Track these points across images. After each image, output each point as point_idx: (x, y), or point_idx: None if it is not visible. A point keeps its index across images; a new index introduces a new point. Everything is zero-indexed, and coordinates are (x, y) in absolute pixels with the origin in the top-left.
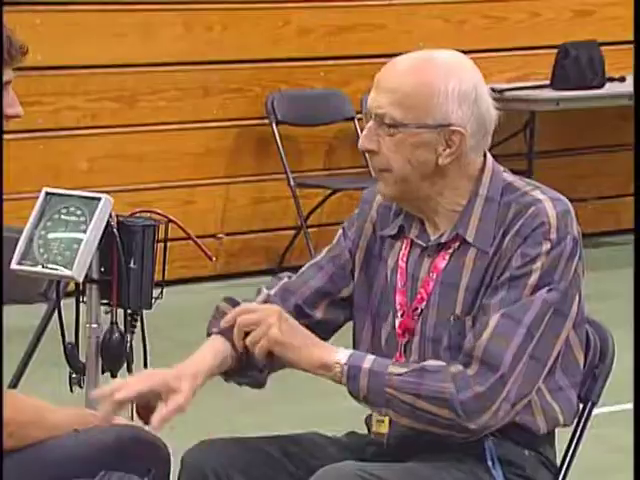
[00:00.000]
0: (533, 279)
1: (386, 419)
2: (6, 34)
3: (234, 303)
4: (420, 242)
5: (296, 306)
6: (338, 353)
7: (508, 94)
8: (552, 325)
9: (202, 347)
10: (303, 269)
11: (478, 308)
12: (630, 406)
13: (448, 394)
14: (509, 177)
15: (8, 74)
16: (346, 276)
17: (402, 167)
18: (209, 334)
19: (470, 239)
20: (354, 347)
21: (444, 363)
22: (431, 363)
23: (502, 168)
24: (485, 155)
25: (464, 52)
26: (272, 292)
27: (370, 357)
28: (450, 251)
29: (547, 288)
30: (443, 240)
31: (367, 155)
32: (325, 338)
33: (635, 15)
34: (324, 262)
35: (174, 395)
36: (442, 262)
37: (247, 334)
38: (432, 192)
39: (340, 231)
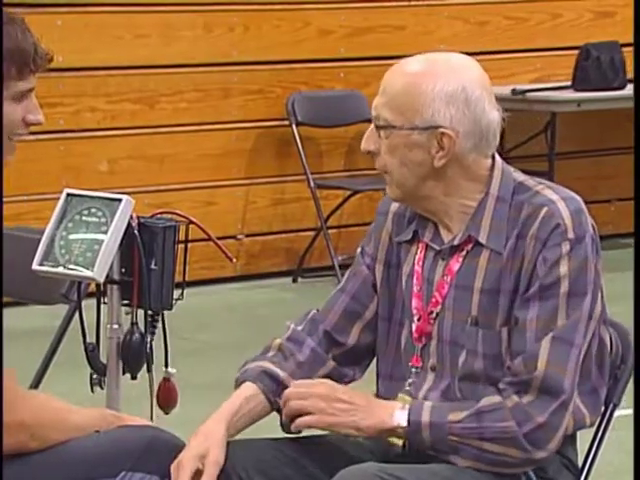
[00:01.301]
0: (564, 288)
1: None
2: (32, 42)
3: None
4: (434, 245)
5: (325, 333)
6: (395, 415)
7: (529, 95)
8: (591, 331)
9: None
10: (328, 298)
11: (507, 318)
12: None
13: (511, 432)
14: (520, 177)
15: (31, 81)
16: (369, 292)
17: (398, 169)
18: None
19: (483, 240)
20: (376, 357)
21: (499, 399)
22: (486, 403)
23: (512, 168)
24: (493, 156)
25: (485, 53)
26: (299, 327)
27: (427, 406)
28: (463, 253)
29: (581, 297)
30: (456, 242)
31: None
32: (363, 362)
33: (635, 15)
34: (346, 284)
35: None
36: (456, 265)
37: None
38: (435, 193)
39: (359, 249)
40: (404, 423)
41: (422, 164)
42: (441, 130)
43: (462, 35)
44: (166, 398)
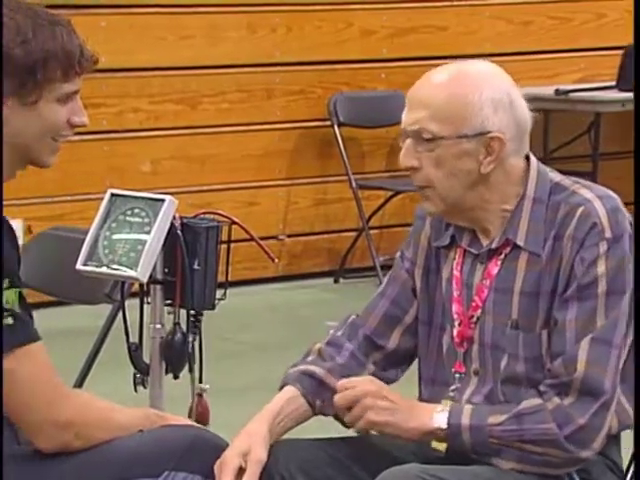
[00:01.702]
0: (602, 287)
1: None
2: (78, 43)
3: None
4: (472, 250)
5: (365, 337)
6: (435, 418)
7: (573, 95)
8: (631, 330)
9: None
10: (368, 302)
11: (547, 320)
12: None
13: (552, 434)
14: (556, 177)
15: (77, 83)
16: (409, 296)
17: (445, 180)
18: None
19: (521, 243)
20: (418, 361)
21: (539, 401)
22: (526, 405)
23: (548, 168)
24: (528, 157)
25: (528, 53)
26: (339, 332)
27: (467, 409)
28: (502, 257)
29: (619, 295)
30: (494, 246)
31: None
32: (402, 366)
33: (635, 16)
34: (385, 289)
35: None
36: (495, 268)
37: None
38: (478, 201)
39: (398, 254)
40: (444, 425)
41: (470, 172)
42: (491, 135)
43: (505, 35)
44: (200, 417)
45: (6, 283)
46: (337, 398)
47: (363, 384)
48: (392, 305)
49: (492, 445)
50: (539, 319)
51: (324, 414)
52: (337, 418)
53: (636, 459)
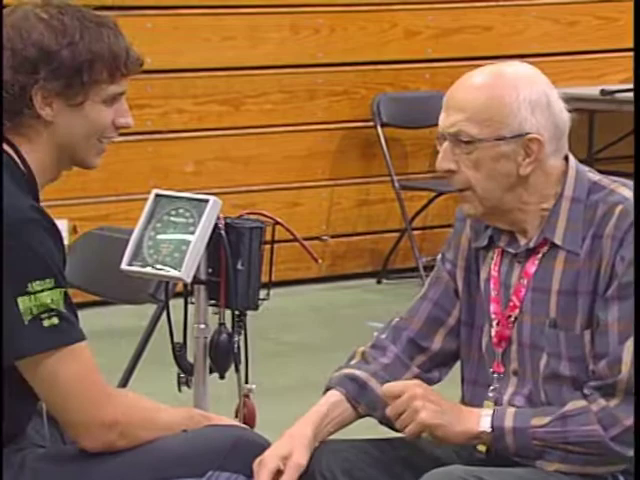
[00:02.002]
0: None
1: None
2: (124, 45)
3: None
4: (510, 250)
5: (409, 340)
6: (481, 421)
7: (619, 96)
8: None
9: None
10: (410, 306)
11: (588, 321)
12: None
13: (597, 436)
14: (594, 176)
15: (122, 85)
16: (451, 298)
17: (484, 183)
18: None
19: (559, 242)
20: (461, 362)
21: (584, 403)
22: (571, 407)
23: (587, 168)
24: (567, 157)
25: (574, 53)
26: (383, 335)
27: (510, 412)
28: (539, 256)
29: None
30: (532, 245)
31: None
32: (446, 368)
33: (635, 16)
34: (427, 291)
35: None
36: (532, 267)
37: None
38: (517, 203)
39: (439, 256)
40: (488, 428)
41: (509, 174)
42: (529, 136)
43: (551, 35)
44: (245, 417)
45: (51, 283)
46: (388, 410)
47: (410, 388)
48: (435, 307)
49: (535, 447)
50: (578, 319)
51: (369, 416)
52: (382, 422)
53: (636, 458)
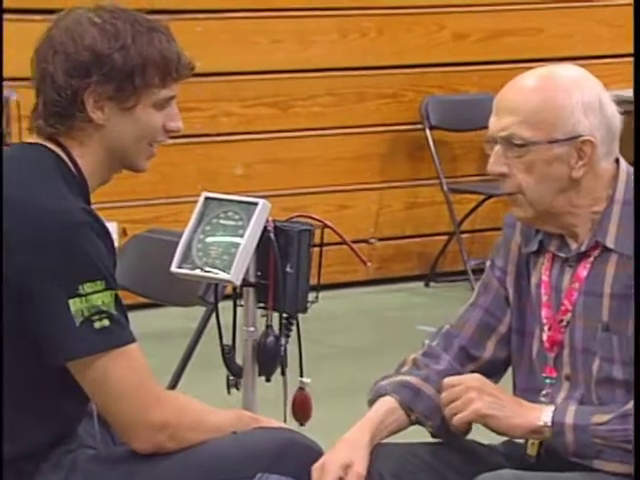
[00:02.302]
0: None
1: (537, 443)
2: (176, 50)
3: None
4: (561, 254)
5: (461, 348)
6: (542, 416)
7: None
8: None
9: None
10: (460, 313)
11: None
12: None
13: None
14: None
15: (173, 89)
16: (502, 305)
17: (536, 186)
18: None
19: (611, 245)
20: (512, 370)
21: None
22: (631, 406)
23: None
24: (617, 159)
25: (624, 56)
26: (434, 343)
27: (571, 409)
28: (591, 259)
29: None
30: (583, 249)
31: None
32: (497, 376)
33: (635, 17)
34: (477, 298)
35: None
36: (584, 271)
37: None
38: (568, 206)
39: (488, 262)
40: (549, 422)
41: (561, 177)
42: (582, 139)
43: (600, 37)
44: (300, 409)
45: (102, 285)
46: (443, 395)
47: (469, 380)
48: (486, 315)
49: (595, 445)
50: (631, 321)
51: (420, 424)
52: (435, 435)
53: (636, 458)
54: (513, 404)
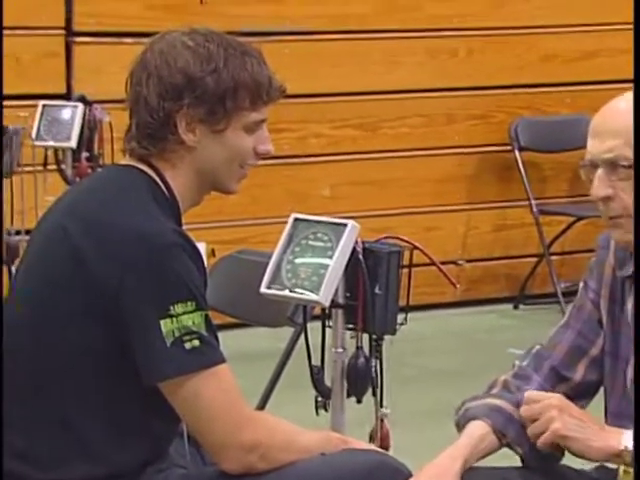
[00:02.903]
0: None
1: (631, 470)
2: (267, 74)
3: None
4: None
5: (551, 369)
6: (623, 439)
7: None
8: None
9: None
10: (551, 334)
11: None
12: None
13: None
14: None
15: (263, 113)
16: (595, 328)
17: None
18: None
19: None
20: (604, 393)
21: None
22: None
23: None
24: None
25: None
26: (524, 363)
27: None
28: None
29: None
30: None
31: (600, 204)
32: (587, 399)
33: (635, 17)
34: (570, 320)
35: None
36: None
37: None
38: None
39: (581, 284)
40: (630, 445)
41: None
42: None
43: None
44: (380, 440)
45: (193, 306)
46: (523, 409)
47: (550, 398)
48: (578, 337)
49: None
50: None
51: (510, 448)
52: (524, 460)
53: (636, 457)
54: (594, 426)
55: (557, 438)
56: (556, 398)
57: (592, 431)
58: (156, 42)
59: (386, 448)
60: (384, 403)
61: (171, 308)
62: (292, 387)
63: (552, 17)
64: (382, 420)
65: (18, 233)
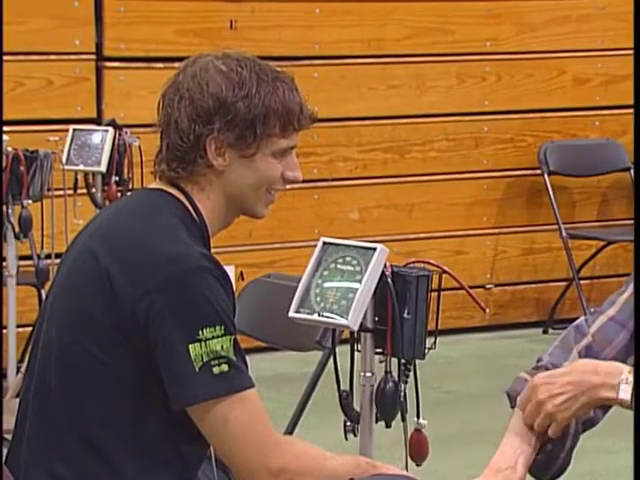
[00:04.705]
0: None
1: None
2: (298, 101)
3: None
4: None
5: None
6: (623, 370)
7: None
8: None
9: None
10: (599, 324)
11: None
12: None
13: None
14: None
15: (293, 139)
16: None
17: None
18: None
19: None
20: None
21: None
22: None
23: None
24: None
25: None
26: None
27: None
28: None
29: None
30: None
31: None
32: (605, 409)
33: (635, 18)
34: (625, 318)
35: None
36: None
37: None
38: None
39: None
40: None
41: None
42: None
43: None
44: (417, 450)
45: (222, 330)
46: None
47: (533, 379)
48: (631, 340)
49: None
50: None
51: None
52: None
53: (636, 457)
54: (585, 370)
55: (553, 417)
56: (538, 378)
57: (581, 380)
58: (189, 65)
59: (422, 457)
60: (413, 426)
61: (199, 332)
62: (321, 411)
63: (582, 42)
64: (419, 430)
65: (48, 257)
